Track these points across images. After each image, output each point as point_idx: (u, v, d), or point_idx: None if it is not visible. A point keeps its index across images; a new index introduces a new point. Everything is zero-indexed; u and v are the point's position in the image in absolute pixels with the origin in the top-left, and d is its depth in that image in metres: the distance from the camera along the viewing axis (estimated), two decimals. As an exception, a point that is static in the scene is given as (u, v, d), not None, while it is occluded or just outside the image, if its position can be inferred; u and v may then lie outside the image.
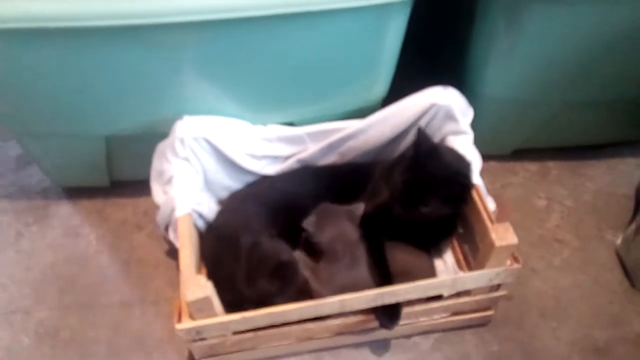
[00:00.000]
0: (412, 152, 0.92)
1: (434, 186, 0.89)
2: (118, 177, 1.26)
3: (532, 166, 1.36)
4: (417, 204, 0.90)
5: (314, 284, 0.93)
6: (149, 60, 0.93)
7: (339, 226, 0.97)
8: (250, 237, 0.94)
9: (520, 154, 1.35)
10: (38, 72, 0.93)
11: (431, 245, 1.04)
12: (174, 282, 1.11)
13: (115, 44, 0.89)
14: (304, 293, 0.90)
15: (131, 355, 1.02)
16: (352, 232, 0.97)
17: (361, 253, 0.96)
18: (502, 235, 0.83)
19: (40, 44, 0.88)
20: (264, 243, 0.94)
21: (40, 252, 1.19)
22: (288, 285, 0.90)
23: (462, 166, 0.94)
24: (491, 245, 0.83)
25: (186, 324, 0.83)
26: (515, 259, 0.88)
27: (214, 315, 0.83)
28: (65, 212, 1.27)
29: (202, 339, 0.88)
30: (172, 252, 1.15)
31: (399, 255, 0.98)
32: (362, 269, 0.94)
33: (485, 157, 1.04)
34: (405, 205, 0.91)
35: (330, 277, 0.93)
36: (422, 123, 1.02)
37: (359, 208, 0.99)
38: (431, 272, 1.01)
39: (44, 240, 1.22)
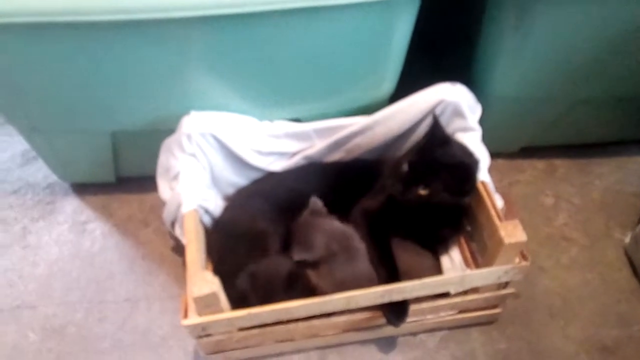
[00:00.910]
0: (425, 139, 0.92)
1: (437, 170, 0.88)
2: (124, 173, 1.26)
3: (539, 164, 1.35)
4: (417, 185, 0.90)
5: (314, 280, 0.92)
6: (155, 55, 0.93)
7: (320, 229, 0.96)
8: (245, 273, 0.92)
9: (528, 152, 1.34)
10: (44, 68, 0.93)
11: (437, 244, 1.03)
12: (180, 278, 1.11)
13: (121, 39, 0.89)
14: (310, 290, 0.90)
15: (137, 351, 1.02)
16: (332, 225, 0.96)
17: (355, 243, 0.95)
18: (511, 233, 0.82)
19: (47, 39, 0.88)
20: (260, 268, 0.92)
21: (46, 247, 1.19)
22: (302, 290, 0.90)
23: (471, 161, 0.93)
24: (500, 242, 0.82)
25: (192, 320, 0.83)
26: (524, 257, 0.88)
27: (221, 311, 0.82)
28: (71, 207, 1.27)
29: (208, 335, 0.87)
30: (178, 249, 1.15)
31: (404, 255, 0.97)
32: (360, 261, 0.93)
33: (493, 155, 1.03)
34: (405, 184, 0.91)
35: (330, 273, 0.93)
36: (430, 120, 1.01)
37: (314, 201, 0.98)
38: (436, 272, 1.01)
39: (50, 235, 1.22)
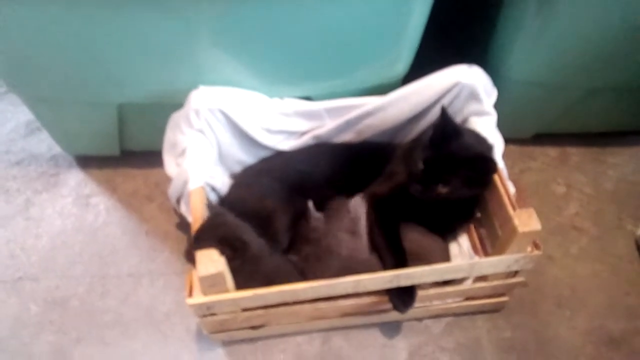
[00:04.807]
0: (434, 131, 0.89)
1: (455, 166, 0.86)
2: (129, 146, 1.23)
3: (552, 151, 1.33)
4: (436, 183, 0.87)
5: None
6: (165, 26, 0.90)
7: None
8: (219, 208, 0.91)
9: (541, 139, 1.32)
10: (52, 36, 0.91)
11: (448, 231, 1.02)
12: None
13: (130, 9, 0.86)
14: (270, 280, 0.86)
15: (139, 326, 1.02)
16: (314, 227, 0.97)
17: (331, 248, 0.94)
18: (526, 221, 0.80)
19: (53, 7, 0.85)
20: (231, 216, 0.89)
21: (49, 220, 1.18)
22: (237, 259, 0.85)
23: (485, 148, 0.91)
24: (513, 231, 0.80)
25: (197, 299, 0.82)
26: (537, 246, 0.86)
27: (226, 290, 0.81)
28: (75, 180, 1.26)
29: (212, 315, 0.87)
30: (182, 225, 1.14)
31: (411, 236, 0.95)
32: (330, 264, 0.93)
33: (504, 140, 1.01)
34: (424, 183, 0.88)
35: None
36: (445, 102, 0.99)
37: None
38: (444, 255, 0.99)
39: (54, 208, 1.20)
